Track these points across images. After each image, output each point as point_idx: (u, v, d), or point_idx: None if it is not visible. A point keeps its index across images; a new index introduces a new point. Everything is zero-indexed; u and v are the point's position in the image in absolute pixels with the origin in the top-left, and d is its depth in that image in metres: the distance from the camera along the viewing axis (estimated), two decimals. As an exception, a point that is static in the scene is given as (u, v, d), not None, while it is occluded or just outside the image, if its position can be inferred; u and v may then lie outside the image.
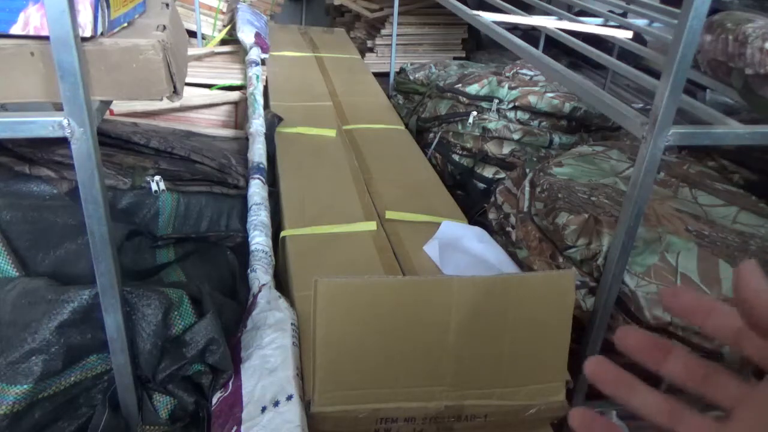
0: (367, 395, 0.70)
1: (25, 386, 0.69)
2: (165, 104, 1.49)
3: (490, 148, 1.47)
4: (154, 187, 0.97)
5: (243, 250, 1.01)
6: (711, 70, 0.94)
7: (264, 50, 1.87)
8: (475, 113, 1.50)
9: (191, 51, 1.93)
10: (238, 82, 1.73)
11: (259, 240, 0.97)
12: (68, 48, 0.56)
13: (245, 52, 1.85)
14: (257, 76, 1.60)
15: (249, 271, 0.92)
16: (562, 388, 0.77)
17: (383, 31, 2.46)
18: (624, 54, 1.79)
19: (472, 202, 1.38)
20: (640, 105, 1.98)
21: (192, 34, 2.21)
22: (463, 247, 1.01)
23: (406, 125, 1.59)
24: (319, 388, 0.69)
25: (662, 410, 0.30)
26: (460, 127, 1.53)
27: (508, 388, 0.75)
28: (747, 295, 0.27)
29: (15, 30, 0.59)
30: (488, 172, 1.49)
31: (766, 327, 0.28)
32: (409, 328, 0.71)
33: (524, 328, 0.75)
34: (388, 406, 0.69)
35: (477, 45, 2.71)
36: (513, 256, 1.03)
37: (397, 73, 2.03)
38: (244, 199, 1.08)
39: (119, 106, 1.43)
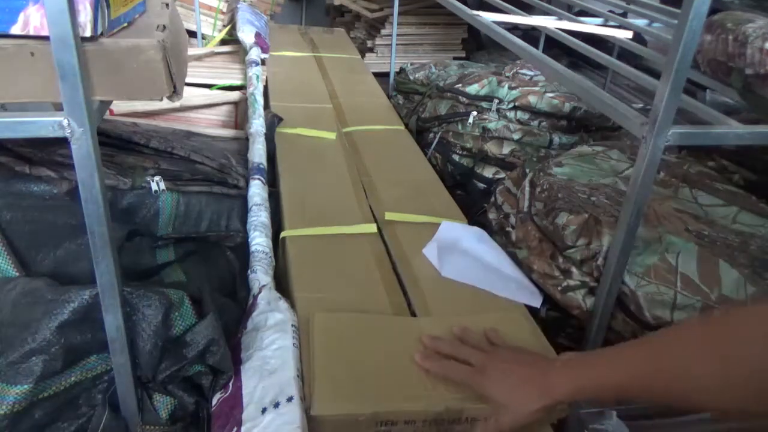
0: (366, 398, 0.70)
1: (26, 386, 0.68)
2: (165, 104, 1.49)
3: (490, 148, 1.47)
4: (154, 187, 0.97)
5: (243, 251, 1.01)
6: (711, 70, 0.94)
7: (264, 50, 1.87)
8: (475, 113, 1.49)
9: (191, 51, 1.93)
10: (238, 82, 1.73)
11: (260, 241, 0.97)
12: (68, 48, 0.56)
13: (245, 52, 1.85)
14: (257, 76, 1.60)
15: (249, 272, 0.92)
16: None
17: (383, 31, 2.46)
18: (624, 54, 1.79)
19: (472, 202, 1.38)
20: (640, 105, 1.98)
21: (192, 34, 2.21)
22: (462, 249, 1.01)
23: (406, 125, 1.59)
24: (318, 390, 0.69)
25: None
26: (460, 127, 1.53)
27: None
28: None
29: (15, 30, 0.59)
30: (488, 172, 1.49)
31: None
32: (400, 347, 0.78)
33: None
34: (387, 409, 0.69)
35: (477, 45, 2.71)
36: (513, 256, 1.03)
37: (397, 73, 2.03)
38: (244, 199, 1.08)
39: (119, 106, 1.43)
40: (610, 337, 0.90)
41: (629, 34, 1.29)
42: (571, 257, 0.92)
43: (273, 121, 1.40)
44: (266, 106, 1.53)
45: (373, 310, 0.85)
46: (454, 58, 2.50)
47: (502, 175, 1.45)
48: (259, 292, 0.86)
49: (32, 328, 0.69)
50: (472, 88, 1.52)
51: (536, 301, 0.92)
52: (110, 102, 0.71)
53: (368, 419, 0.69)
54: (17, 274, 0.78)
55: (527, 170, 1.17)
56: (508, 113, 1.48)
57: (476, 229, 1.07)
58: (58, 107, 0.60)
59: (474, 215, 1.30)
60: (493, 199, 1.23)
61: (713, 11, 0.75)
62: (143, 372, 0.74)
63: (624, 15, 1.74)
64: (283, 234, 1.03)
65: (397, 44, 2.25)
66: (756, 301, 0.60)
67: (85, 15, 0.58)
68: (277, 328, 0.78)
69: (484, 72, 1.64)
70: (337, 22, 2.96)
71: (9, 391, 0.68)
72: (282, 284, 0.95)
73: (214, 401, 0.76)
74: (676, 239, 0.88)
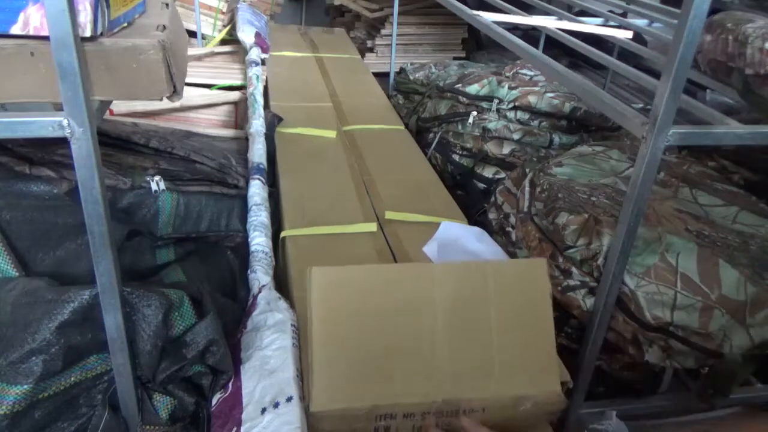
0: (364, 392, 0.70)
1: (26, 386, 0.69)
2: (165, 104, 1.49)
3: (490, 148, 1.47)
4: (154, 186, 0.97)
5: (243, 250, 1.01)
6: (711, 70, 0.94)
7: (264, 50, 1.87)
8: (475, 113, 1.49)
9: (191, 51, 1.93)
10: (238, 82, 1.73)
11: (259, 241, 0.97)
12: (68, 48, 0.56)
13: (245, 52, 1.85)
14: (257, 76, 1.60)
15: (249, 271, 0.92)
16: (557, 379, 0.77)
17: (383, 31, 2.46)
18: (624, 54, 1.79)
19: (472, 203, 1.38)
20: (640, 105, 1.98)
21: (192, 34, 2.21)
22: (462, 248, 1.01)
23: (406, 125, 1.59)
24: (316, 386, 0.69)
25: None
26: (460, 127, 1.53)
27: (502, 379, 0.75)
28: None
29: (15, 30, 0.59)
30: (488, 172, 1.49)
31: None
32: (399, 312, 0.75)
33: (507, 314, 0.78)
34: (386, 403, 0.69)
35: (477, 45, 2.71)
36: (513, 256, 1.03)
37: (397, 73, 2.03)
38: (244, 199, 1.08)
39: (119, 105, 1.43)
40: (609, 337, 0.90)
41: (629, 34, 1.29)
42: (571, 257, 0.92)
43: (273, 121, 1.40)
44: (266, 106, 1.53)
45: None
46: (454, 58, 2.50)
47: (502, 175, 1.46)
48: (259, 292, 0.86)
49: (32, 328, 0.69)
50: (472, 88, 1.52)
51: (536, 301, 0.92)
52: (110, 102, 0.71)
53: (367, 414, 0.69)
54: (17, 274, 0.78)
55: (527, 170, 1.17)
56: (508, 113, 1.48)
57: (476, 228, 1.07)
58: (58, 107, 0.60)
59: (474, 215, 1.30)
60: (493, 199, 1.23)
61: (713, 11, 0.75)
62: (143, 372, 0.74)
63: (624, 15, 1.74)
64: (283, 234, 1.03)
65: (397, 44, 2.25)
66: None
67: (85, 15, 0.58)
68: (276, 328, 0.78)
69: (484, 72, 1.64)
70: (337, 22, 2.96)
71: (9, 391, 0.68)
72: (282, 284, 0.96)
73: (214, 401, 0.76)
74: (676, 239, 0.88)
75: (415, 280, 0.76)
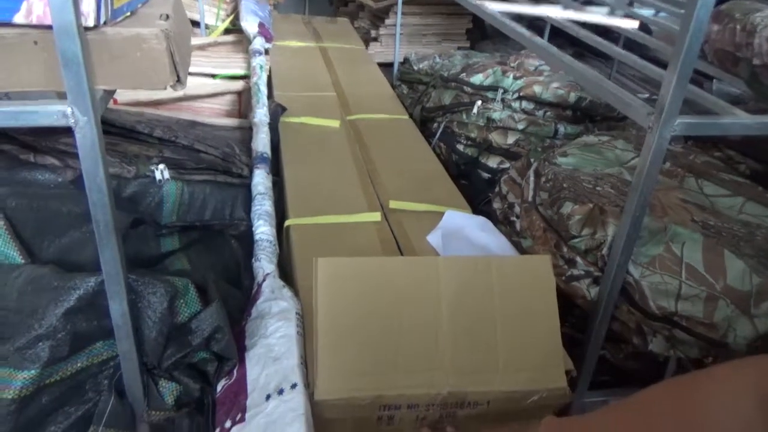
0: (369, 382, 0.70)
1: (32, 371, 0.69)
2: (169, 93, 1.49)
3: (495, 137, 1.47)
4: (158, 175, 0.98)
5: (247, 239, 1.01)
6: (718, 60, 0.93)
7: (268, 40, 1.87)
8: (479, 103, 1.49)
9: (195, 40, 1.92)
10: (241, 72, 1.72)
11: (264, 230, 0.97)
12: (71, 37, 0.56)
13: (249, 41, 1.85)
14: (261, 66, 1.60)
15: (253, 260, 0.93)
16: (562, 375, 0.78)
17: (387, 21, 2.45)
18: (630, 44, 1.78)
19: (477, 192, 1.38)
20: (646, 95, 1.97)
21: (195, 23, 2.20)
22: (466, 237, 1.01)
23: (411, 115, 1.59)
24: (321, 375, 0.70)
25: None
26: (464, 116, 1.52)
27: (507, 374, 0.75)
28: None
29: (18, 19, 0.59)
30: (493, 161, 1.48)
31: None
32: (404, 304, 0.75)
33: (512, 310, 0.78)
34: (390, 393, 0.70)
35: (481, 35, 2.69)
36: (517, 245, 1.03)
37: (402, 63, 2.03)
38: (247, 188, 1.09)
39: (123, 95, 1.43)
40: (613, 327, 0.90)
41: (635, 24, 1.28)
42: (575, 247, 0.92)
43: (277, 111, 1.40)
44: (270, 95, 1.53)
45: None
46: (459, 48, 2.48)
47: (506, 164, 1.45)
48: (264, 280, 0.86)
49: (39, 314, 0.70)
50: (477, 78, 1.51)
51: (540, 291, 0.92)
52: (114, 91, 0.71)
53: (371, 403, 0.69)
54: (23, 261, 0.79)
55: (532, 160, 1.17)
56: (512, 103, 1.47)
57: (480, 218, 1.07)
58: (61, 96, 0.60)
59: (478, 205, 1.30)
60: (497, 188, 1.23)
61: (720, 1, 0.75)
62: (149, 358, 0.75)
63: (630, 4, 1.72)
64: (287, 223, 1.03)
65: (401, 34, 2.24)
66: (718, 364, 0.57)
67: (88, 4, 0.58)
68: (281, 316, 0.79)
69: (489, 62, 1.63)
70: (341, 11, 2.94)
71: (16, 375, 0.69)
72: (286, 272, 0.96)
73: (219, 387, 0.77)
74: (682, 229, 0.87)
75: (420, 273, 0.76)
